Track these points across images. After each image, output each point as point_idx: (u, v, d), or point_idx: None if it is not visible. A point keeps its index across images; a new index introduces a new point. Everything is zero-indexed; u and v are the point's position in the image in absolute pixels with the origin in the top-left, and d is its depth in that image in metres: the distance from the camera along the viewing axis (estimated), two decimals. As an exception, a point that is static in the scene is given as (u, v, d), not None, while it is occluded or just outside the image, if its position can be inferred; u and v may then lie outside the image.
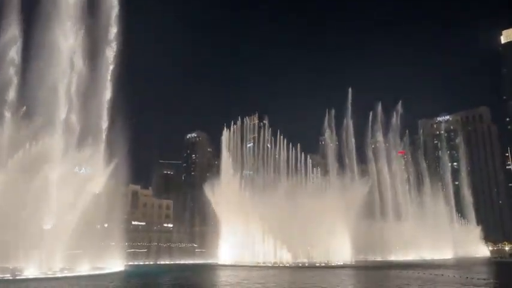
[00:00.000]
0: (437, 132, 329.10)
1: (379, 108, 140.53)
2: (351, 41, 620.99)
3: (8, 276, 42.04)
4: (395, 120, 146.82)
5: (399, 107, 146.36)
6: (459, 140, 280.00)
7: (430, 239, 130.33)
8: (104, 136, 59.90)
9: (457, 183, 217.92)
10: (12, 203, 47.19)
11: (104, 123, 60.15)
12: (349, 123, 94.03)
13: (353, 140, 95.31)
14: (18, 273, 43.55)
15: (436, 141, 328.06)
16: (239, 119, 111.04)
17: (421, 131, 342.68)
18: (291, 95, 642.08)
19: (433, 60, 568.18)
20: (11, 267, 44.04)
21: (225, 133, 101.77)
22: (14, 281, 39.89)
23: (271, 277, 47.19)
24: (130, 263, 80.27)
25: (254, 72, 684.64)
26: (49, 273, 46.69)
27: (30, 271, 45.08)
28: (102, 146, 60.39)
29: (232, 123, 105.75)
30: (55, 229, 50.43)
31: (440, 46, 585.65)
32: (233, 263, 78.68)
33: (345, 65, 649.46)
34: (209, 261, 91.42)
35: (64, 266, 51.32)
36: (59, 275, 46.83)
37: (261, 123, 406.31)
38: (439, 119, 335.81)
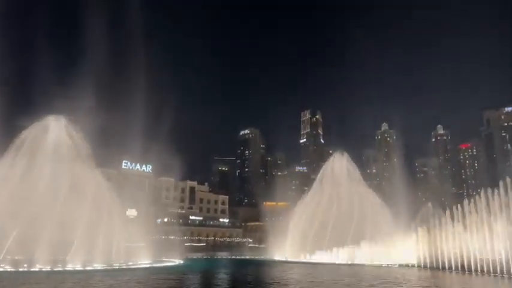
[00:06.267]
0: (506, 124, 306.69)
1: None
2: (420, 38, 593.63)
3: (78, 267, 45.32)
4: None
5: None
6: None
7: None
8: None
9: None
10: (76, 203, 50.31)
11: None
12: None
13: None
14: (88, 264, 46.84)
15: (504, 133, 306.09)
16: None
17: (487, 122, 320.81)
18: (346, 88, 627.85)
19: (496, 46, 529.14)
20: (81, 260, 47.37)
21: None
22: (85, 272, 42.82)
23: (335, 274, 46.57)
24: (189, 257, 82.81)
25: (306, 68, 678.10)
26: (115, 265, 49.76)
27: (98, 263, 48.30)
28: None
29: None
30: (118, 224, 53.69)
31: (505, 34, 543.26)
32: (289, 260, 78.69)
33: (405, 60, 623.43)
34: (263, 256, 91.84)
35: (128, 258, 54.37)
36: (124, 266, 49.72)
37: (314, 119, 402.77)
38: (507, 109, 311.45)
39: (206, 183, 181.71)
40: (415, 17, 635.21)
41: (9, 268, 42.35)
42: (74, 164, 53.14)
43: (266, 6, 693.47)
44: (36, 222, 46.39)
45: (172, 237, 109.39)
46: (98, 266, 47.27)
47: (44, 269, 42.73)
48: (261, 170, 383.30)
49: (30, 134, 53.72)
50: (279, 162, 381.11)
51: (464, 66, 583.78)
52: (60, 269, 43.77)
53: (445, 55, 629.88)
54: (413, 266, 58.10)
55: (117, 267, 48.31)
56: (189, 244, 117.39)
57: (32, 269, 42.52)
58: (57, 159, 52.26)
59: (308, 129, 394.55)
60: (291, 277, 43.06)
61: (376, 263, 64.31)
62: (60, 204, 48.13)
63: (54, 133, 54.66)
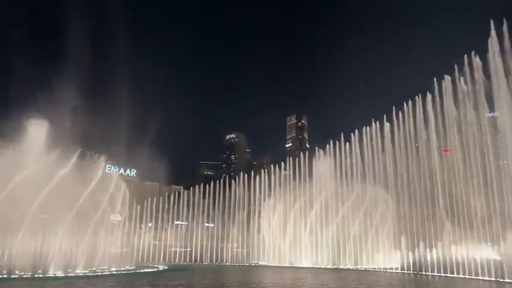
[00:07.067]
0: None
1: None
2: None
3: (60, 273, 44.42)
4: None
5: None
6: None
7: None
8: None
9: None
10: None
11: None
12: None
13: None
14: (71, 270, 45.98)
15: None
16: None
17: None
18: (331, 93, 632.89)
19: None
20: (63, 265, 46.44)
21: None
22: (67, 278, 41.96)
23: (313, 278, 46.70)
24: (174, 262, 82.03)
25: (293, 73, 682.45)
26: (98, 270, 48.98)
27: (81, 269, 47.43)
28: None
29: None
30: (100, 229, 52.90)
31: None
32: (276, 265, 78.69)
33: (388, 58, 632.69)
34: (249, 261, 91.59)
35: (111, 263, 53.56)
36: (107, 272, 48.89)
37: (299, 123, 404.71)
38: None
39: (192, 188, 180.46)
40: (402, 22, 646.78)
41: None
42: (56, 167, 52.07)
43: (250, 10, 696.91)
44: (16, 227, 45.31)
45: (156, 242, 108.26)
46: (80, 272, 46.39)
47: (24, 276, 41.67)
48: (247, 175, 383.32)
49: (10, 136, 52.47)
50: (264, 166, 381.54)
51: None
52: (41, 275, 42.75)
53: (434, 59, 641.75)
54: (397, 269, 58.55)
55: (100, 273, 47.48)
56: (175, 249, 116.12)
57: (12, 276, 41.41)
58: (37, 161, 51.17)
59: (294, 134, 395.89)
60: (279, 282, 43.01)
61: (360, 267, 64.76)
62: (41, 208, 47.14)
63: (36, 136, 53.52)
